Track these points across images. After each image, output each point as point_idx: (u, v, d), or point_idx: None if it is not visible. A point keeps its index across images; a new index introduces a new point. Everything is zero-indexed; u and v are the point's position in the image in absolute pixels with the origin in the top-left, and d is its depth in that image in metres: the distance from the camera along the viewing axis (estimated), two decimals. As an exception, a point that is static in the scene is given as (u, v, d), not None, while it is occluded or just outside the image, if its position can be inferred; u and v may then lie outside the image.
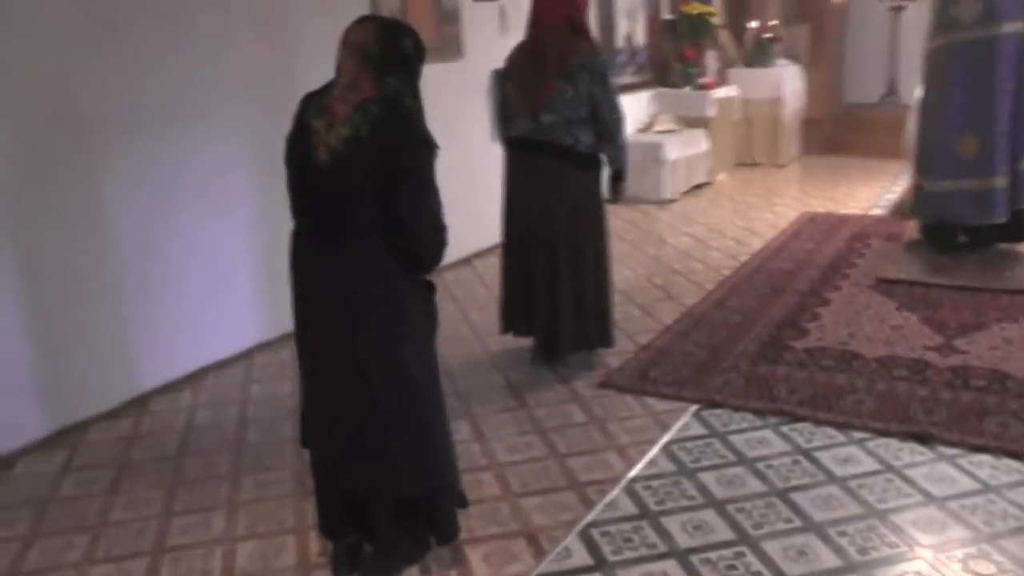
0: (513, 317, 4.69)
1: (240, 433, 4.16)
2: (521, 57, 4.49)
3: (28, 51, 3.93)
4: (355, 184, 2.65)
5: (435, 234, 2.78)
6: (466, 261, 6.65)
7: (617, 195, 4.70)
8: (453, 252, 6.38)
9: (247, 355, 5.01)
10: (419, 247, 2.76)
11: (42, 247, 4.07)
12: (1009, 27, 5.61)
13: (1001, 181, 5.71)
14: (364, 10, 5.62)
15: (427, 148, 2.72)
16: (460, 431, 3.99)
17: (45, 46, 4.00)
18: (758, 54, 10.10)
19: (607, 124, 4.36)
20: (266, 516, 3.43)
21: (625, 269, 6.30)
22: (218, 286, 4.78)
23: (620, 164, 4.53)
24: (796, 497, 3.32)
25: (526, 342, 4.80)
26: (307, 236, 2.80)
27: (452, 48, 6.48)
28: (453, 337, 5.19)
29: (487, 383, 4.56)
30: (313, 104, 2.76)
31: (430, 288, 2.94)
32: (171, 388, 4.64)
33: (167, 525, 3.42)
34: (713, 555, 2.98)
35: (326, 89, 2.78)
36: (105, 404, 4.36)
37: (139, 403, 4.48)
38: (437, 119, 6.15)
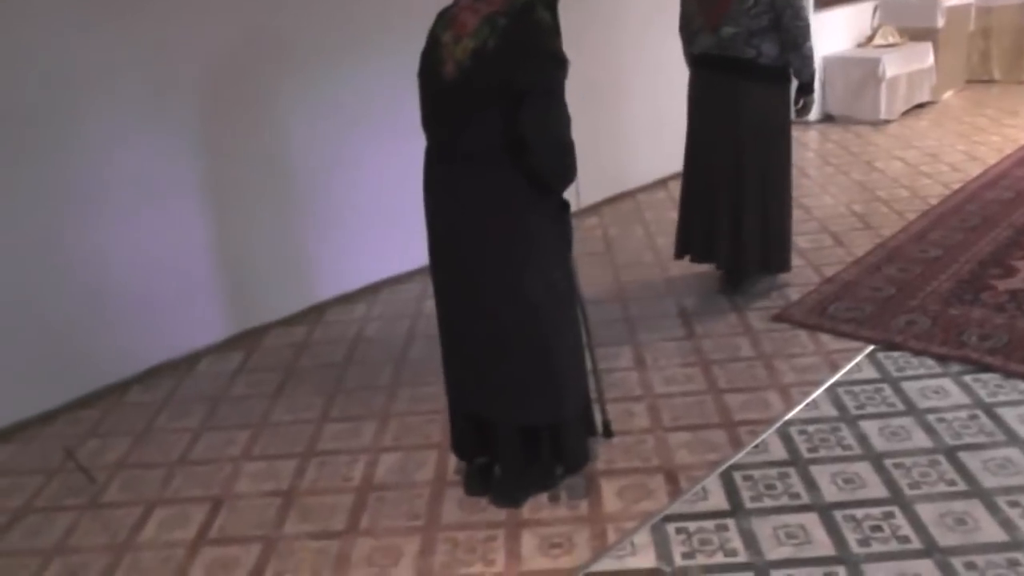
0: (690, 241, 4.53)
1: (405, 347, 4.25)
2: None
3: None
4: (481, 99, 2.57)
5: (560, 153, 2.65)
6: (661, 183, 6.48)
7: (804, 109, 4.40)
8: (647, 173, 6.42)
9: (423, 271, 5.07)
10: (543, 165, 2.63)
11: (229, 164, 4.28)
12: None
13: None
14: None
15: (556, 63, 2.59)
16: (621, 358, 3.94)
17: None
18: (1004, -45, 9.11)
19: (790, 32, 4.07)
20: (414, 430, 3.50)
21: (825, 195, 5.94)
22: (395, 205, 4.84)
23: (807, 76, 4.25)
24: (965, 457, 3.01)
25: (707, 269, 4.63)
26: (436, 157, 2.76)
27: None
28: (634, 262, 5.10)
29: (659, 310, 4.44)
30: (443, 18, 2.69)
31: (564, 208, 2.82)
32: (347, 299, 4.80)
33: (320, 430, 3.57)
34: (859, 512, 2.76)
35: (455, 2, 2.69)
36: (283, 311, 4.58)
37: (315, 312, 4.67)
38: (628, 39, 6.09)
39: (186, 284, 4.19)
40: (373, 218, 4.79)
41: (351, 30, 4.61)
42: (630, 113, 6.21)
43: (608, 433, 3.28)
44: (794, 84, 4.29)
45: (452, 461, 3.21)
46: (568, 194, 2.83)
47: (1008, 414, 3.26)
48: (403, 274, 4.99)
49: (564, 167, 2.67)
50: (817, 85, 4.34)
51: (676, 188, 6.04)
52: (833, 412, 3.37)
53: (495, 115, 2.56)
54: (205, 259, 4.26)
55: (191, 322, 4.24)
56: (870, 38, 8.32)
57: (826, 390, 3.53)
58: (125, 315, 3.99)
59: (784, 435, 3.24)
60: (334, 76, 4.57)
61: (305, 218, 4.57)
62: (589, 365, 3.09)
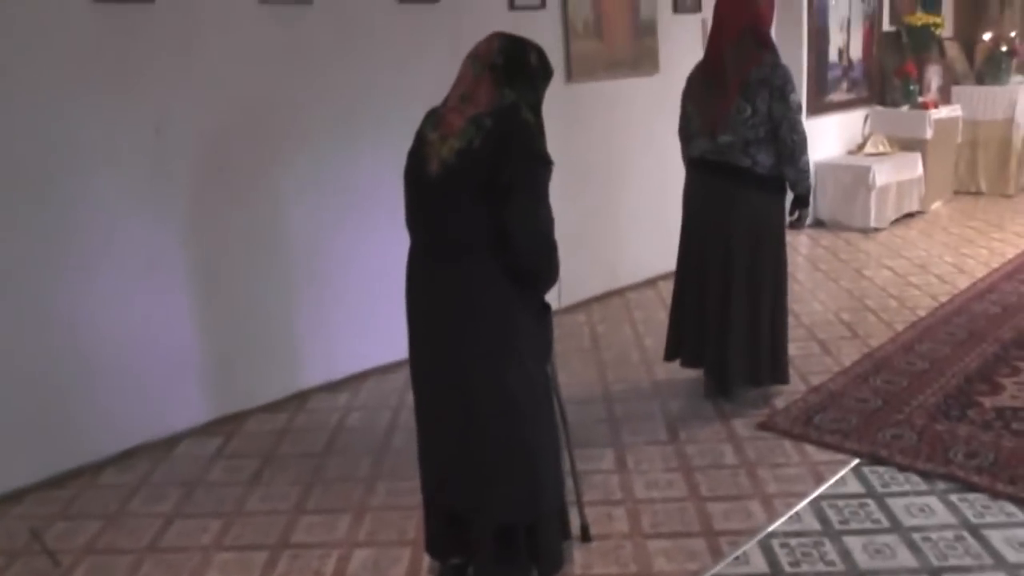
0: (679, 345, 4.51)
1: (387, 438, 4.21)
2: (700, 72, 4.33)
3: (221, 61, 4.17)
4: (465, 197, 2.60)
5: (545, 251, 2.68)
6: (651, 282, 6.49)
7: (799, 221, 4.41)
8: (638, 271, 6.45)
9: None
10: (528, 264, 2.67)
11: (218, 243, 4.29)
12: None
13: None
14: (556, 26, 5.60)
15: (540, 163, 2.64)
16: (603, 460, 3.90)
17: (233, 60, 4.24)
18: (990, 70, 9.30)
19: (787, 144, 4.10)
20: (390, 525, 3.44)
21: (814, 301, 5.96)
22: (384, 294, 4.80)
23: (802, 189, 4.26)
24: (951, 580, 2.98)
25: (694, 372, 4.60)
26: (420, 252, 2.79)
27: (648, 62, 6.32)
28: (621, 361, 5.08)
29: (643, 412, 4.40)
30: (431, 117, 2.76)
31: (545, 309, 2.84)
32: (331, 387, 4.77)
33: (295, 521, 3.51)
34: (840, 633, 2.71)
35: (443, 103, 2.75)
36: (267, 396, 4.54)
37: (299, 398, 4.64)
38: (632, 135, 6.19)
39: (171, 364, 4.16)
40: (361, 307, 4.78)
41: (350, 119, 4.67)
42: (623, 210, 6.26)
43: (586, 537, 3.24)
44: (790, 195, 4.31)
45: (426, 560, 3.14)
46: (550, 295, 2.84)
47: (995, 536, 3.21)
48: (389, 364, 4.95)
49: (548, 266, 2.70)
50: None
51: (666, 288, 6.06)
52: (816, 526, 3.32)
53: (479, 213, 2.59)
54: (191, 339, 4.24)
55: (173, 403, 4.20)
56: (861, 146, 8.46)
57: (810, 502, 3.48)
58: (106, 392, 3.96)
59: (766, 547, 3.18)
60: (331, 162, 4.62)
61: (294, 303, 4.57)
62: (567, 466, 3.05)
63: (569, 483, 3.06)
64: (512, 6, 5.34)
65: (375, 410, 4.53)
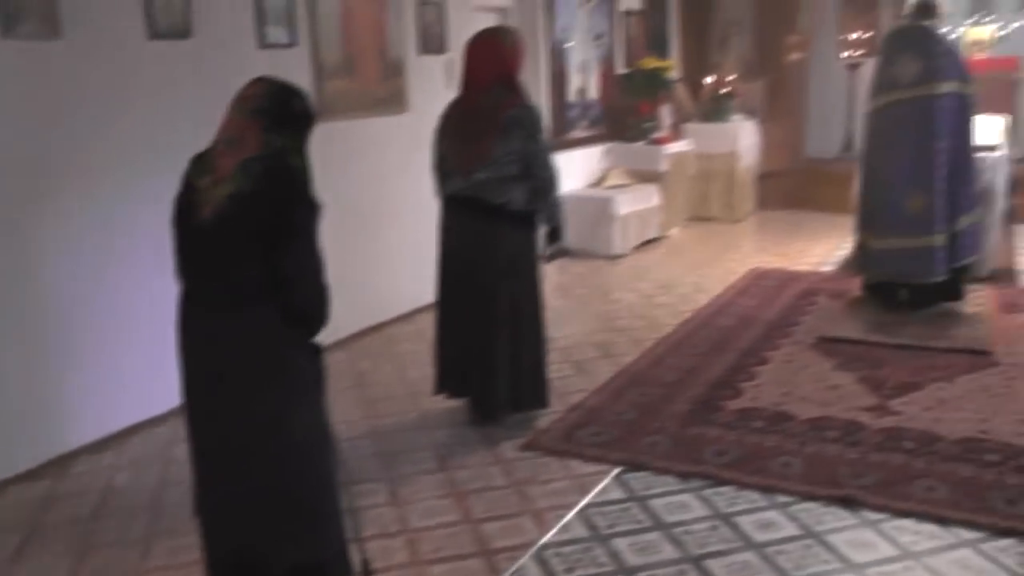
0: (446, 378, 4.58)
1: (160, 495, 4.01)
2: (454, 114, 4.43)
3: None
4: (239, 243, 2.60)
5: (319, 294, 2.73)
6: (409, 316, 6.53)
7: (553, 254, 4.59)
8: (397, 307, 6.47)
9: (174, 414, 4.81)
10: (303, 307, 2.71)
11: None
12: (945, 86, 5.68)
13: (940, 240, 5.70)
14: (306, 65, 5.59)
15: (310, 208, 2.67)
16: (377, 495, 3.89)
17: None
18: (714, 109, 10.11)
19: (540, 181, 4.28)
20: (166, 585, 3.27)
21: (567, 326, 6.20)
22: (146, 344, 4.62)
23: (555, 222, 4.44)
24: (711, 564, 3.20)
25: (459, 402, 4.67)
26: (193, 301, 2.74)
27: (398, 101, 6.42)
28: (387, 396, 5.08)
29: (412, 444, 4.42)
30: (198, 162, 2.73)
31: (317, 351, 2.85)
32: (95, 448, 4.46)
33: (60, 595, 3.26)
34: (614, 628, 2.83)
35: (210, 147, 2.72)
36: (25, 464, 4.20)
37: (61, 463, 4.31)
38: (382, 172, 6.23)
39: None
40: (122, 359, 4.54)
41: (101, 161, 4.44)
42: (379, 246, 6.28)
43: (367, 572, 3.20)
44: (543, 229, 4.46)
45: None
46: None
47: (744, 522, 3.50)
48: (155, 417, 4.72)
49: (323, 308, 2.74)
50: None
51: (425, 321, 6.14)
52: (586, 533, 3.46)
53: (252, 259, 2.60)
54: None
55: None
56: (602, 179, 8.93)
57: (578, 512, 3.63)
58: None
59: (541, 559, 3.29)
60: (86, 206, 4.37)
61: (50, 360, 4.25)
62: (345, 503, 3.03)
63: (348, 520, 3.03)
64: (263, 44, 5.27)
65: (144, 467, 4.30)
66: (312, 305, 2.72)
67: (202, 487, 2.86)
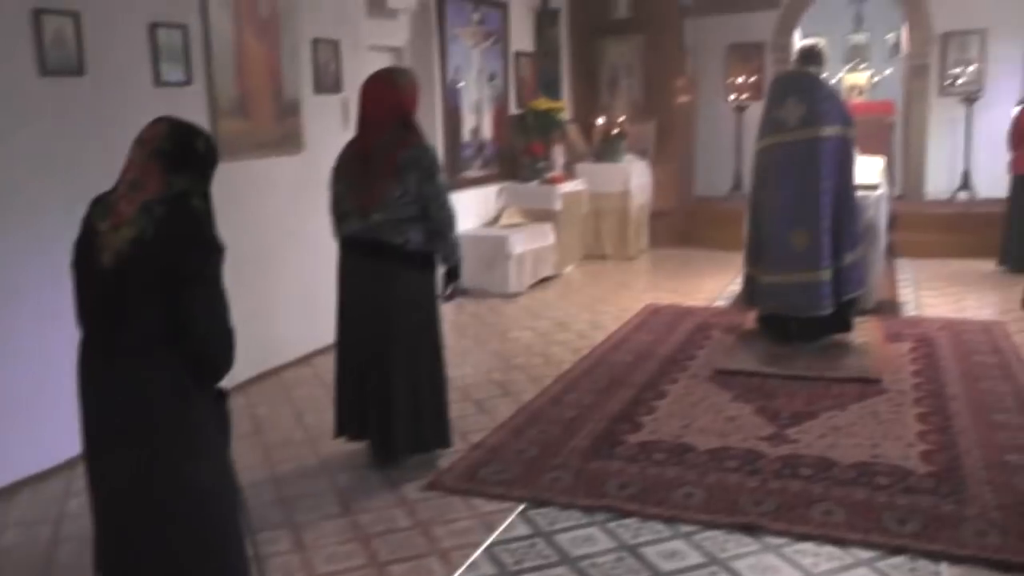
0: (347, 420, 4.51)
1: (51, 553, 3.81)
2: (351, 155, 4.41)
3: None
4: (141, 288, 2.54)
5: (224, 339, 2.68)
6: (305, 360, 6.43)
7: (451, 293, 4.58)
8: (291, 351, 6.36)
9: (69, 466, 4.60)
10: (208, 353, 2.65)
11: None
12: (828, 130, 5.95)
13: (826, 275, 5.94)
14: (202, 104, 5.50)
15: (214, 251, 2.64)
16: (279, 542, 3.80)
17: None
18: (606, 149, 10.31)
19: (437, 221, 4.29)
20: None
21: (465, 365, 6.20)
22: (35, 391, 4.43)
23: (453, 262, 4.45)
24: (617, 597, 3.22)
25: (359, 444, 4.60)
26: (93, 347, 2.66)
27: (292, 141, 6.36)
28: (285, 441, 4.97)
29: (314, 489, 4.34)
30: (99, 206, 2.65)
31: (222, 396, 2.80)
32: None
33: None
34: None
35: (112, 190, 2.65)
36: None
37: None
38: (277, 213, 6.15)
39: None
40: (7, 408, 4.34)
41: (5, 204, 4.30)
42: (274, 288, 6.17)
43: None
44: (441, 269, 4.47)
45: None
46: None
47: (649, 552, 3.54)
48: (44, 471, 4.51)
49: (228, 353, 2.69)
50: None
51: (322, 364, 6.07)
52: (493, 571, 3.45)
53: (154, 304, 2.54)
54: None
55: None
56: (496, 218, 9.00)
57: (484, 550, 3.61)
58: None
59: (448, 599, 3.25)
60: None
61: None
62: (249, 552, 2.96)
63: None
64: (158, 82, 5.17)
65: (33, 524, 4.08)
66: (217, 349, 2.66)
67: (104, 542, 2.76)
